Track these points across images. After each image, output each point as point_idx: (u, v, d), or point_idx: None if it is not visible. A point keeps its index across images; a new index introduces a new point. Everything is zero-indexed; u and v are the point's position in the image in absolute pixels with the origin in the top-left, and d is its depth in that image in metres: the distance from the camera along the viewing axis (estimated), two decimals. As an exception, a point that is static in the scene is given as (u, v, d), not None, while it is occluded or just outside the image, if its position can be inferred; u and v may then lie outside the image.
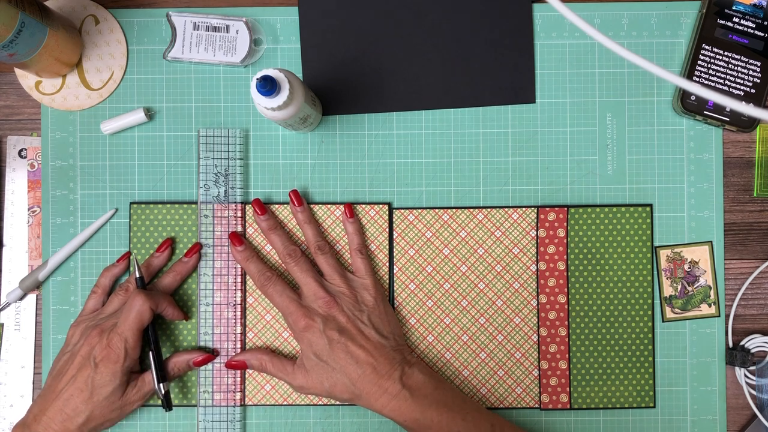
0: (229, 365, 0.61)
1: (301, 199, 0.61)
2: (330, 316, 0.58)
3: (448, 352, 0.62)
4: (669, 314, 0.62)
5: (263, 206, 0.61)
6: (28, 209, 0.64)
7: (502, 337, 0.62)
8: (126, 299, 0.59)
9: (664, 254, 0.62)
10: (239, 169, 0.62)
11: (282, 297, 0.59)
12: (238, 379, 0.62)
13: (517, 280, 0.62)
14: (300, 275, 0.59)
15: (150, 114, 0.63)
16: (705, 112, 0.61)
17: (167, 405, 0.59)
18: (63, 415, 0.56)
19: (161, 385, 0.58)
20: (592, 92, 0.63)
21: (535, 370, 0.62)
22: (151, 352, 0.59)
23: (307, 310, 0.58)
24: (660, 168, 0.63)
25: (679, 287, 0.62)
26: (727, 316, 0.63)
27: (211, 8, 0.64)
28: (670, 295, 0.62)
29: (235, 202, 0.62)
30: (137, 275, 0.60)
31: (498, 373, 0.62)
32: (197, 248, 0.61)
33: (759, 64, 0.61)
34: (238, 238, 0.61)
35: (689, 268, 0.62)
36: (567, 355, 0.62)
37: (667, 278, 0.62)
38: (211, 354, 0.61)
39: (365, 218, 0.62)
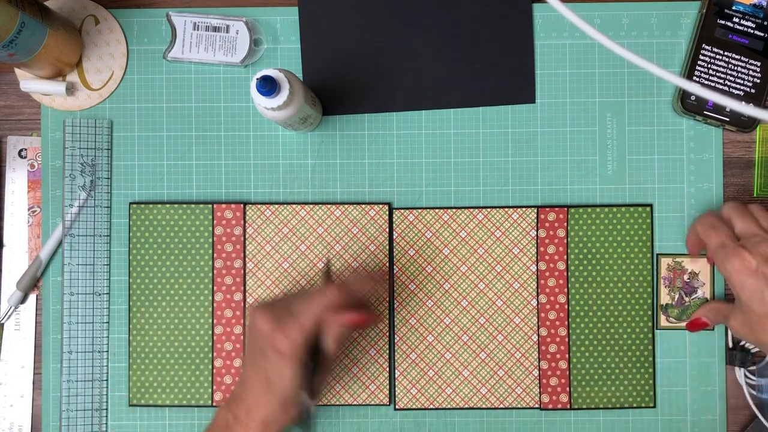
0: (692, 325, 0.61)
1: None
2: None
3: (448, 352, 0.62)
4: (663, 323, 0.62)
5: None
6: (28, 209, 0.64)
7: (502, 337, 0.62)
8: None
9: (665, 262, 0.62)
10: (105, 160, 0.62)
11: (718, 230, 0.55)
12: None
13: (517, 280, 0.62)
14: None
15: (71, 91, 0.62)
16: (705, 112, 0.61)
17: (306, 425, 0.51)
18: (261, 410, 0.50)
19: (309, 399, 0.51)
20: (592, 92, 0.63)
21: (535, 370, 0.62)
22: (317, 355, 0.51)
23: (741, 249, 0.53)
24: (660, 168, 0.63)
25: (677, 297, 0.62)
26: (727, 316, 0.63)
27: (211, 8, 0.64)
28: (667, 304, 0.62)
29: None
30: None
31: (498, 373, 0.62)
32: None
33: (759, 64, 0.61)
34: None
35: (689, 279, 0.62)
36: (567, 355, 0.62)
37: (665, 286, 0.62)
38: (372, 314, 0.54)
39: (365, 218, 0.62)
